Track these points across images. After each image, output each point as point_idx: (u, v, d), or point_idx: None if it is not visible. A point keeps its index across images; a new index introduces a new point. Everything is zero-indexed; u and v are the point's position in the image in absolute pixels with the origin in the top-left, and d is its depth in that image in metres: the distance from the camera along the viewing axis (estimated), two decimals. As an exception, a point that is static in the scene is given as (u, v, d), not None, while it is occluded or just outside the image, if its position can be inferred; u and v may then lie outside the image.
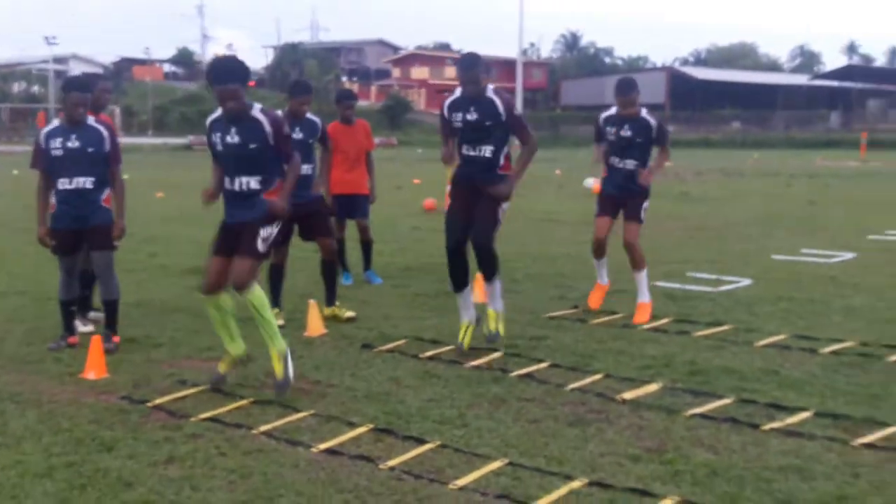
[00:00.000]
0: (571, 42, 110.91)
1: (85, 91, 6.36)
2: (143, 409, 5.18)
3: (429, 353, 6.37)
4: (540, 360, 6.18)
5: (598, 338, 6.84)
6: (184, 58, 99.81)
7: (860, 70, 78.40)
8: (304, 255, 10.28)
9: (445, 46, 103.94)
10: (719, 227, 13.75)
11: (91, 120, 6.40)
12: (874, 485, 4.08)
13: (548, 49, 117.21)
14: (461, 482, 4.12)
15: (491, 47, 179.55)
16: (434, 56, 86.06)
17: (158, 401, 5.31)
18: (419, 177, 25.19)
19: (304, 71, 73.00)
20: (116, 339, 6.54)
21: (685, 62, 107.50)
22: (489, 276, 6.57)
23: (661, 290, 8.63)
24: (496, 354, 6.35)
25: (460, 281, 6.63)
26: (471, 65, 6.35)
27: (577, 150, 49.00)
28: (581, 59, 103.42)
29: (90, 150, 6.30)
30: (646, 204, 7.73)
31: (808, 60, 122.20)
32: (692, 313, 7.60)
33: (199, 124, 63.91)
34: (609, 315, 7.58)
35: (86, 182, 6.32)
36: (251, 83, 67.77)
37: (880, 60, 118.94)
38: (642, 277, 7.67)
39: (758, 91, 76.09)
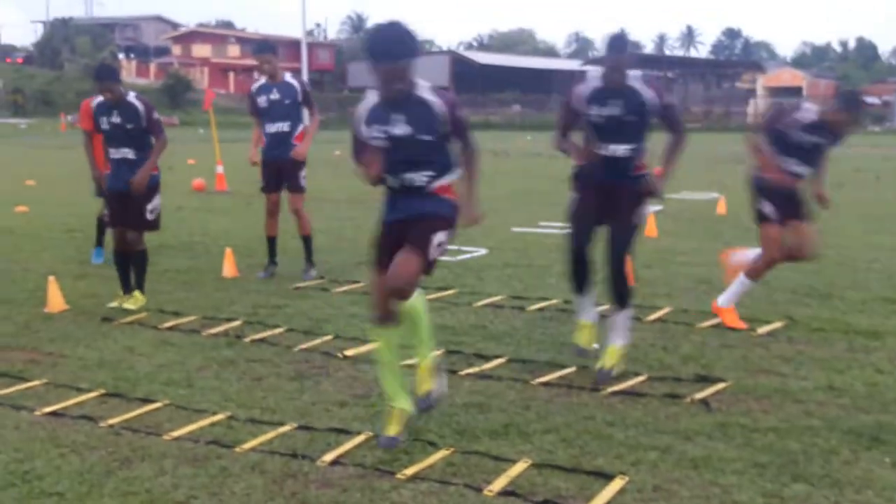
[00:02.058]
0: (357, 24, 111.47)
1: None
2: None
3: (168, 324, 6.65)
4: (276, 326, 6.60)
5: (335, 304, 7.33)
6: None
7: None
8: (51, 236, 10.25)
9: (228, 24, 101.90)
10: (473, 203, 14.62)
11: None
12: (540, 414, 4.78)
13: (334, 30, 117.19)
14: (176, 433, 4.49)
15: (275, 27, 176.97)
16: (216, 34, 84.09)
17: None
18: (195, 157, 24.89)
19: (75, 48, 69.54)
20: None
21: (469, 46, 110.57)
22: (623, 301, 5.54)
23: (404, 260, 9.24)
24: (235, 323, 6.71)
25: (584, 282, 5.72)
26: (621, 48, 5.38)
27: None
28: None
29: None
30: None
31: (583, 46, 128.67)
32: (427, 280, 8.19)
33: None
34: (352, 284, 8.08)
35: None
36: (19, 60, 63.21)
37: (649, 46, 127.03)
38: None
39: (536, 75, 79.41)
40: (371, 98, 4.43)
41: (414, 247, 4.35)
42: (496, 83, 75.51)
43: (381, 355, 4.59)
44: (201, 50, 78.37)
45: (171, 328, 6.56)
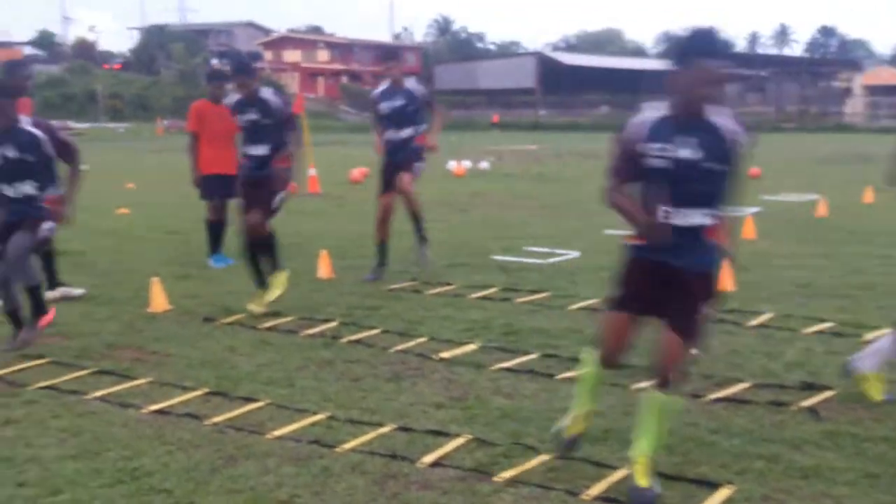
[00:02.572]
0: (444, 27, 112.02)
1: None
2: (-18, 381, 5.43)
3: (267, 325, 6.76)
4: (372, 328, 6.65)
5: (428, 306, 7.35)
6: (44, 40, 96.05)
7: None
8: (152, 237, 10.51)
9: (318, 30, 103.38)
10: (564, 205, 14.54)
11: (26, 122, 6.02)
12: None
13: (421, 33, 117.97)
14: (278, 432, 4.56)
15: (363, 31, 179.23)
16: (306, 39, 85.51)
17: (-1, 372, 5.57)
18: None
19: (170, 54, 71.47)
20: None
21: (556, 47, 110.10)
22: None
23: (497, 263, 9.23)
24: (332, 324, 6.78)
25: None
26: None
27: (450, 134, 49.74)
28: (453, 44, 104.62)
29: (29, 158, 6.00)
30: None
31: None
32: (519, 283, 8.21)
33: (62, 108, 61.75)
34: (444, 286, 8.10)
35: (25, 188, 6.08)
36: (117, 66, 64.83)
37: (741, 45, 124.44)
38: None
39: (624, 76, 78.47)
40: (652, 112, 3.84)
41: (685, 325, 3.78)
42: (583, 84, 74.93)
43: (585, 375, 4.20)
44: (292, 55, 79.75)
45: (269, 328, 6.67)
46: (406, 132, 8.30)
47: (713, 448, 4.31)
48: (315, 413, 4.83)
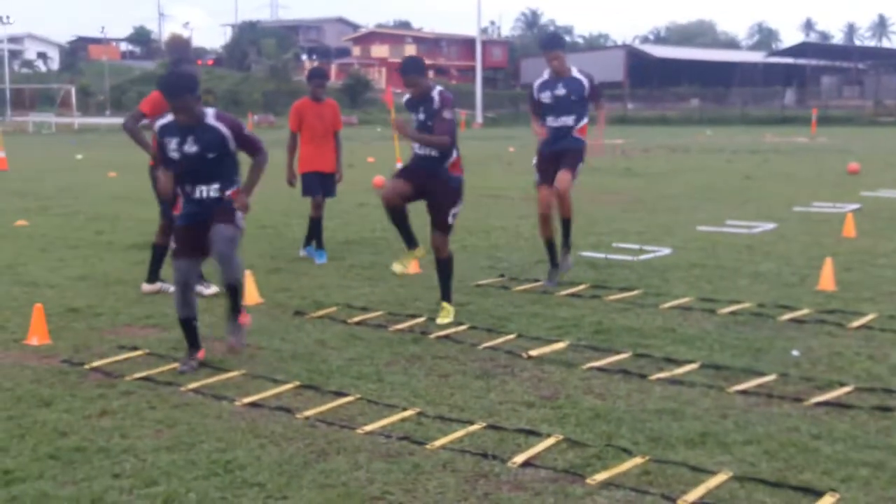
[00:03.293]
0: (531, 20, 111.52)
1: (176, 96, 5.44)
2: (82, 371, 5.56)
3: (356, 319, 6.78)
4: (460, 323, 6.62)
5: (516, 303, 7.29)
6: (140, 36, 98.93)
7: (814, 47, 79.54)
8: (249, 232, 10.64)
9: (405, 24, 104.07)
10: (653, 201, 14.28)
11: (210, 116, 5.54)
12: (738, 424, 4.56)
13: (508, 27, 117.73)
14: (369, 428, 4.56)
15: (450, 26, 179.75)
16: (394, 34, 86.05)
17: (96, 363, 5.69)
18: (374, 155, 25.49)
19: (261, 50, 72.73)
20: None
21: (645, 40, 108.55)
22: None
23: (585, 259, 9.11)
24: (420, 319, 6.77)
25: None
26: None
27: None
28: (541, 38, 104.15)
29: (210, 155, 5.53)
30: None
31: (765, 37, 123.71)
32: (609, 280, 8.07)
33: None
34: (531, 283, 8.02)
35: (209, 190, 5.59)
36: (210, 62, 66.38)
37: (838, 37, 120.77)
38: None
39: (715, 68, 76.94)
40: None
41: None
42: (673, 77, 73.69)
43: None
44: (379, 50, 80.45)
45: (359, 323, 6.69)
46: (566, 119, 7.79)
47: (816, 454, 4.15)
48: (405, 409, 4.82)
